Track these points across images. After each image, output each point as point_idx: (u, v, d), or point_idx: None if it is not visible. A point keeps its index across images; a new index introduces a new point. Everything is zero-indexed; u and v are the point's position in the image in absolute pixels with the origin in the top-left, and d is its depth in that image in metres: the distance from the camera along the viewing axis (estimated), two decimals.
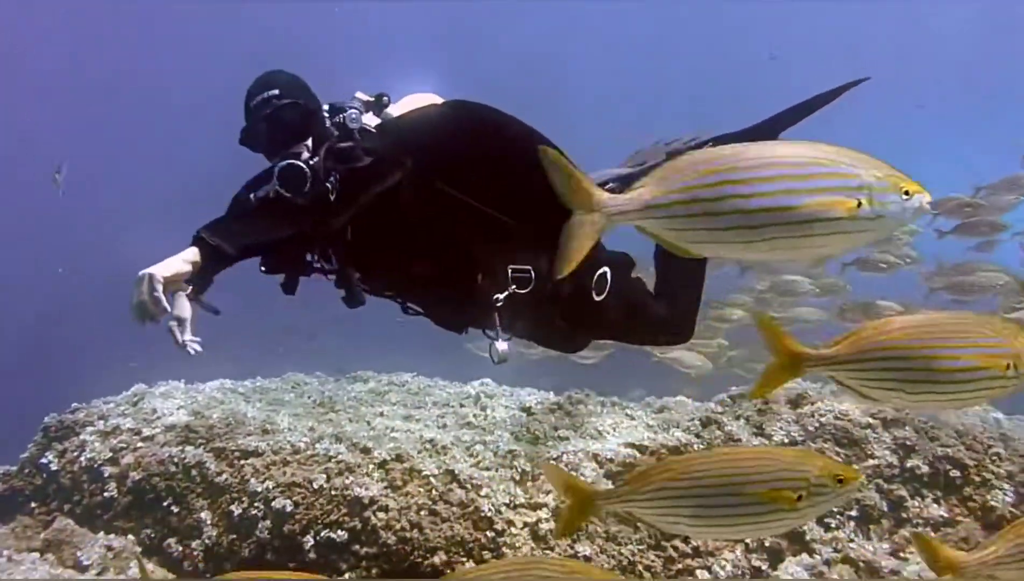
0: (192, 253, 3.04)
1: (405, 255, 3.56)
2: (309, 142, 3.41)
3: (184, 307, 3.12)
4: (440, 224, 3.52)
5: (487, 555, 4.53)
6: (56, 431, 5.43)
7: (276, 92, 3.39)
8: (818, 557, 4.50)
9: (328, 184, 3.31)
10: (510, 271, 3.58)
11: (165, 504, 4.78)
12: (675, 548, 4.63)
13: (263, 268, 3.56)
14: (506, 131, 3.63)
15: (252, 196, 3.41)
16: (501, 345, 3.64)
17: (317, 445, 5.08)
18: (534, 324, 3.82)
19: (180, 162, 21.85)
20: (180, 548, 4.65)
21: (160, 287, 2.94)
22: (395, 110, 3.68)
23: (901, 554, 4.47)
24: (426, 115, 3.68)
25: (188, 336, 3.11)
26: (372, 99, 3.60)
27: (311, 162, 3.35)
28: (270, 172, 3.36)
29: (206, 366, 6.51)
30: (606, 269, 3.78)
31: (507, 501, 4.76)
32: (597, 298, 3.77)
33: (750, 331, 7.47)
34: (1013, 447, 4.93)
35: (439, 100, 3.81)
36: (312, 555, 4.57)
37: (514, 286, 3.57)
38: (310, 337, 14.19)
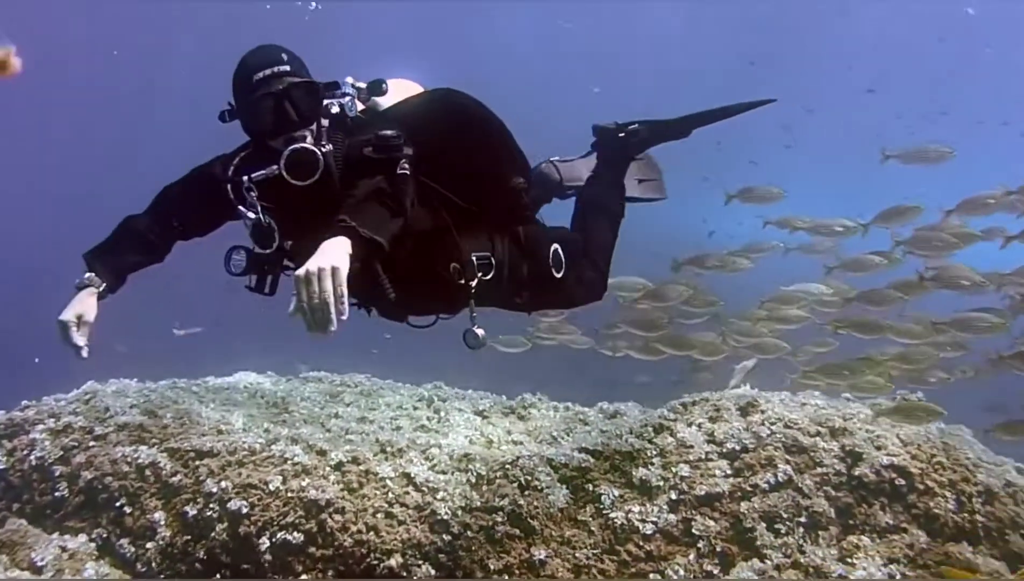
0: (346, 243, 2.86)
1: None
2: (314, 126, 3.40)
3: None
4: (422, 214, 3.56)
5: (443, 558, 4.56)
6: (5, 429, 5.34)
7: (286, 68, 3.36)
8: (768, 562, 4.59)
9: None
10: (475, 258, 3.74)
11: (118, 504, 4.73)
12: (628, 553, 4.70)
13: (234, 269, 3.57)
14: (488, 125, 3.80)
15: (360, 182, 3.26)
16: (479, 330, 3.78)
17: (273, 447, 5.07)
18: (498, 305, 4.06)
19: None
20: (133, 549, 4.60)
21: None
22: (382, 98, 3.73)
23: (848, 560, 4.58)
24: (420, 106, 3.74)
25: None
26: (365, 86, 3.60)
27: (337, 150, 3.40)
28: (270, 152, 3.34)
29: (157, 364, 6.49)
30: (556, 246, 4.06)
31: (463, 504, 4.79)
32: (557, 275, 4.07)
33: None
34: (954, 456, 5.07)
35: (419, 88, 3.88)
36: (268, 557, 4.56)
37: (480, 273, 3.73)
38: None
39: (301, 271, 2.72)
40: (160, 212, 3.70)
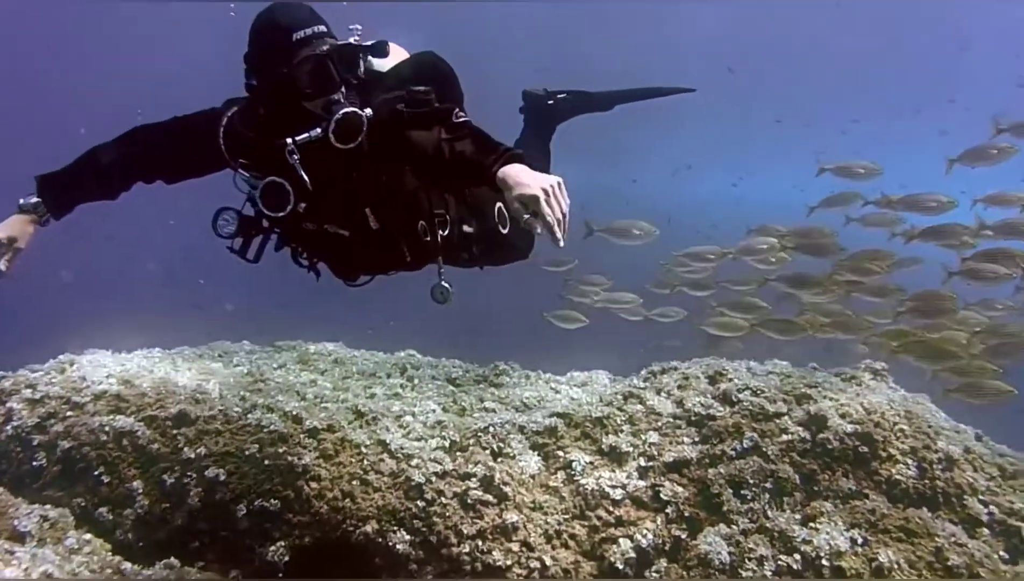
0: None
1: (364, 205, 3.70)
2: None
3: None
4: (398, 173, 3.69)
5: (417, 524, 4.65)
6: None
7: (324, 28, 3.40)
8: (735, 527, 4.72)
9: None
10: (435, 217, 3.88)
11: (96, 473, 4.76)
12: (599, 518, 4.81)
13: (223, 231, 3.63)
14: (458, 87, 3.93)
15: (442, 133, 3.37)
16: (446, 284, 3.97)
17: (249, 415, 5.12)
18: (451, 262, 4.15)
19: None
20: (112, 517, 4.65)
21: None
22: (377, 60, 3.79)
23: (811, 524, 4.70)
24: (416, 67, 3.84)
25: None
26: (369, 45, 3.59)
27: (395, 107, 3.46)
28: (305, 115, 3.38)
29: (132, 336, 6.51)
30: (500, 204, 4.15)
31: (437, 471, 4.88)
32: (503, 231, 4.22)
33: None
34: (916, 424, 5.19)
35: (405, 52, 3.95)
36: (244, 524, 4.64)
37: (440, 230, 3.87)
38: (228, 306, 14.08)
39: (537, 191, 2.87)
40: (130, 153, 3.67)
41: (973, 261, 6.69)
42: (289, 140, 3.39)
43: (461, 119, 3.40)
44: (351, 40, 3.47)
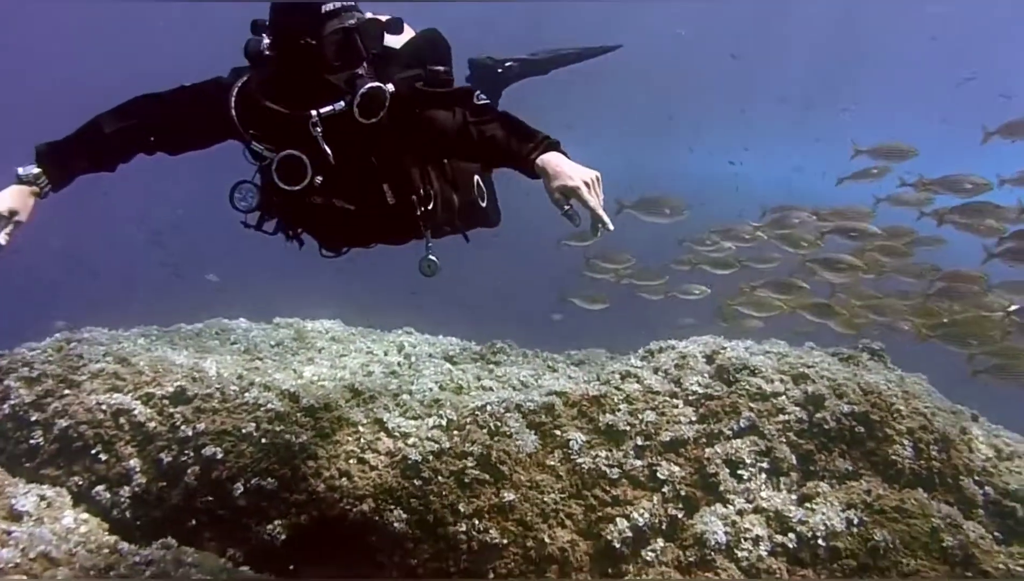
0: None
1: (380, 180, 3.74)
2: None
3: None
4: (410, 149, 3.74)
5: (414, 503, 4.65)
6: None
7: (352, 2, 3.42)
8: (732, 507, 4.73)
9: None
10: (431, 190, 3.92)
11: (93, 452, 4.76)
12: (595, 497, 4.82)
13: (240, 205, 3.65)
14: (448, 73, 3.89)
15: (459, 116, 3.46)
16: (433, 258, 4.01)
17: (246, 394, 5.12)
18: (438, 234, 4.20)
19: None
20: (109, 496, 4.66)
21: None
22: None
23: (807, 504, 4.72)
24: (424, 45, 3.90)
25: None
26: (386, 21, 3.63)
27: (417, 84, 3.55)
28: (327, 88, 3.42)
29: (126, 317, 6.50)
30: (477, 177, 4.28)
31: (433, 450, 4.88)
32: (482, 203, 4.31)
33: None
34: (912, 405, 5.21)
35: (411, 30, 3.97)
36: (242, 503, 4.64)
37: (429, 204, 3.91)
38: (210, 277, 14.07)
39: (579, 183, 2.99)
40: (135, 123, 3.61)
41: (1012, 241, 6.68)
42: (314, 112, 3.42)
43: (482, 101, 3.48)
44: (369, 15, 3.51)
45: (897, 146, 7.94)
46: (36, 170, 3.39)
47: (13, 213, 3.26)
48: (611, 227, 3.02)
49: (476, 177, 4.30)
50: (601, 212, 2.99)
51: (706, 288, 8.58)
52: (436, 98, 3.52)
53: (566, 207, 3.02)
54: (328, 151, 3.48)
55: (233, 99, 3.52)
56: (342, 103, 3.40)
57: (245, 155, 3.68)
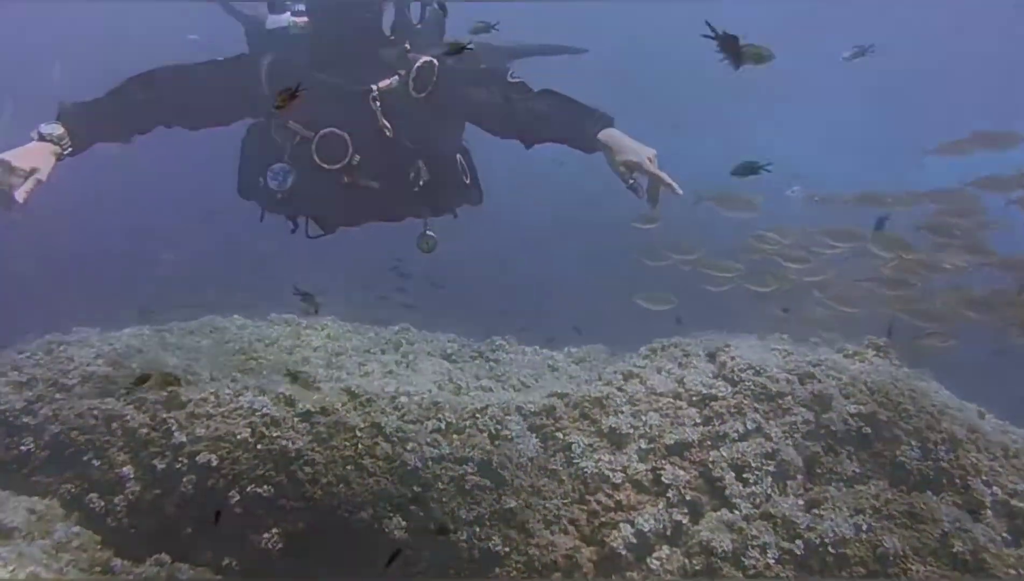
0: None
1: (416, 156, 3.82)
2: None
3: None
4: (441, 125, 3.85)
5: (414, 509, 4.56)
6: None
7: None
8: (737, 512, 4.64)
9: None
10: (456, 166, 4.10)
11: (85, 458, 4.67)
12: (599, 502, 4.74)
13: (275, 185, 3.62)
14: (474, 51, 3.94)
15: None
16: (431, 233, 4.16)
17: (241, 398, 5.00)
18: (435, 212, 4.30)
19: None
20: (102, 503, 4.56)
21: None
22: None
23: (815, 510, 4.63)
24: (436, 22, 4.01)
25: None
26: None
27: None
28: (386, 63, 3.49)
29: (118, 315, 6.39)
30: (459, 155, 4.26)
31: (433, 455, 4.78)
32: (467, 181, 4.29)
33: None
34: (920, 404, 5.13)
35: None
36: (237, 510, 4.55)
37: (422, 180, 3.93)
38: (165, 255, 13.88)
39: (642, 159, 3.06)
40: (162, 93, 3.54)
41: None
42: (374, 86, 3.43)
43: (517, 79, 3.56)
44: None
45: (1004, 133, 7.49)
46: (60, 130, 3.25)
47: (34, 170, 3.06)
48: (679, 191, 3.05)
49: (459, 156, 4.27)
50: (669, 179, 3.02)
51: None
52: (472, 75, 3.59)
53: (630, 181, 3.09)
54: (387, 125, 3.52)
55: (264, 74, 3.50)
56: (396, 77, 3.45)
57: (273, 134, 3.66)
